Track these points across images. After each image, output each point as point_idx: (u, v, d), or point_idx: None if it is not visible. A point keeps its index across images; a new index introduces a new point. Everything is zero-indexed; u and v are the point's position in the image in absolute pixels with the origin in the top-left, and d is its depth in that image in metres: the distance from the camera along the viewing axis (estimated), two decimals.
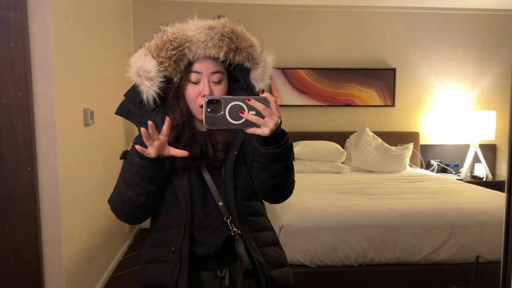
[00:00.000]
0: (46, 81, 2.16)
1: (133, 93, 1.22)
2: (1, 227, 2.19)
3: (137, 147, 1.11)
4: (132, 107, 1.24)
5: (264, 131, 1.04)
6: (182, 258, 1.19)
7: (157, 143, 1.10)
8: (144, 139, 1.10)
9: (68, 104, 2.39)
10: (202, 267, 1.23)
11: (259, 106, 1.04)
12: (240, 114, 1.05)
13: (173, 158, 1.18)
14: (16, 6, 2.07)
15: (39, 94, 2.16)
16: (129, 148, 1.23)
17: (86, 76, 2.75)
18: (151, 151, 1.11)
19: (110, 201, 1.25)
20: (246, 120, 1.05)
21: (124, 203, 1.20)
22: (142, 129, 1.10)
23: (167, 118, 1.12)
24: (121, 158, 1.23)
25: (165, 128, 1.10)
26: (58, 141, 2.22)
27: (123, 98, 1.27)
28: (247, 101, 1.04)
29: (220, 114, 1.05)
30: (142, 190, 1.16)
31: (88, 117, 2.68)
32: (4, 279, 2.22)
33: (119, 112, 1.27)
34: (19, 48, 2.09)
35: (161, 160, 1.14)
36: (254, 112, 1.04)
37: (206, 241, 1.22)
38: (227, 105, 1.05)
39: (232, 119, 1.05)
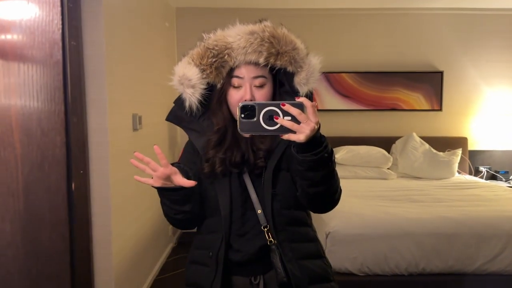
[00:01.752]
0: (99, 87, 2.22)
1: (182, 100, 1.23)
2: (55, 229, 2.24)
3: (136, 177, 1.11)
4: (181, 113, 1.26)
5: (300, 137, 0.99)
6: (218, 264, 1.20)
7: (159, 174, 1.09)
8: (141, 169, 1.10)
9: (118, 110, 2.45)
10: (238, 272, 1.23)
11: (294, 111, 0.98)
12: (275, 120, 1.00)
13: (213, 162, 1.19)
14: (71, 13, 2.14)
15: (92, 99, 2.22)
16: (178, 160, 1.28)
17: (134, 82, 2.82)
18: (154, 182, 1.11)
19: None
20: (281, 126, 1.00)
21: (168, 216, 1.24)
22: (133, 161, 1.09)
23: (156, 147, 1.10)
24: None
25: (160, 160, 1.09)
26: (110, 146, 2.28)
27: (173, 105, 1.28)
28: (281, 106, 1.00)
29: (254, 119, 1.02)
30: (175, 211, 1.19)
31: (137, 122, 2.74)
32: (57, 280, 2.27)
33: (169, 118, 1.29)
34: (73, 56, 2.15)
35: (178, 188, 1.12)
36: (289, 118, 1.00)
37: (241, 248, 1.21)
38: (261, 111, 1.01)
39: (266, 125, 1.01)
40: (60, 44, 1.39)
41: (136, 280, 2.81)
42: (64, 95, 1.42)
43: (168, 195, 1.14)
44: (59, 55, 1.40)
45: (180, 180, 1.10)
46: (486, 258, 2.49)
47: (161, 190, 1.14)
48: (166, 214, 1.24)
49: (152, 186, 1.12)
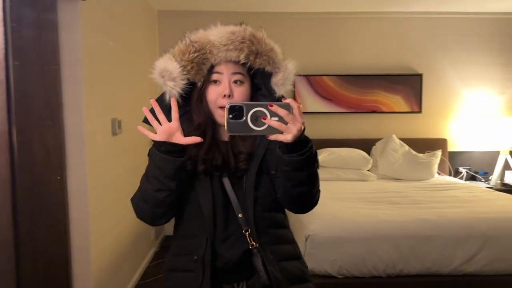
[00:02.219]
0: (75, 93, 2.20)
1: (161, 100, 1.23)
2: (32, 235, 2.22)
3: (139, 127, 1.12)
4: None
5: (287, 137, 1.01)
6: (205, 268, 1.18)
7: (165, 127, 1.11)
8: (150, 120, 1.12)
9: (96, 114, 2.43)
10: (221, 280, 1.22)
11: (282, 112, 1.01)
12: (263, 120, 1.02)
13: (195, 161, 1.19)
14: (48, 23, 2.12)
15: (68, 105, 2.20)
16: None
17: (114, 87, 2.80)
18: (157, 136, 1.11)
19: (132, 198, 1.24)
20: (269, 127, 1.02)
21: (145, 200, 1.18)
22: (144, 109, 1.12)
23: (173, 99, 1.14)
24: (148, 155, 1.21)
25: (173, 112, 1.12)
26: (87, 151, 2.26)
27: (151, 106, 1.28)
28: (269, 107, 1.02)
29: (242, 120, 1.03)
30: (161, 186, 1.14)
31: (116, 126, 2.72)
32: (34, 286, 2.25)
33: (146, 120, 1.29)
34: (52, 64, 2.13)
35: (177, 152, 1.12)
36: (276, 118, 1.02)
37: (224, 254, 1.21)
38: (249, 111, 1.03)
39: (254, 126, 1.03)
40: (4, 64, 1.39)
41: (116, 285, 2.79)
42: (8, 115, 1.41)
43: (169, 160, 1.11)
44: (2, 75, 1.39)
45: (183, 139, 1.12)
46: (463, 259, 2.53)
47: (161, 145, 1.12)
48: (144, 197, 1.18)
49: (153, 142, 1.14)
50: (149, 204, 1.18)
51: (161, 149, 1.12)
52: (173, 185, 1.14)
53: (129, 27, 3.27)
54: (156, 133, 1.12)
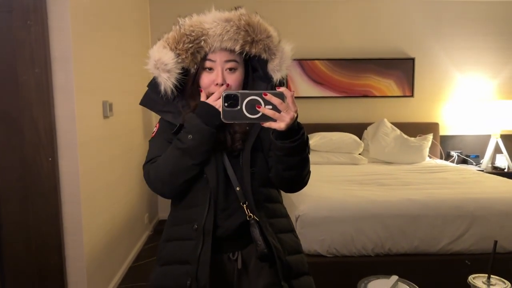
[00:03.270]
0: (65, 74, 2.20)
1: (155, 84, 1.25)
2: (24, 217, 2.24)
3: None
4: (155, 97, 1.28)
5: (280, 125, 1.06)
6: (206, 235, 1.21)
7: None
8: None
9: (87, 97, 2.43)
10: (216, 249, 1.25)
11: (276, 100, 1.05)
12: (257, 109, 1.07)
13: None
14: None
15: (59, 86, 2.20)
16: (154, 131, 1.32)
17: (105, 69, 2.80)
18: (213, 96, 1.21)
19: (150, 175, 1.25)
20: (263, 114, 1.07)
21: (176, 174, 1.22)
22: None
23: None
24: (175, 133, 1.24)
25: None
26: (78, 133, 2.27)
27: (146, 89, 1.30)
28: (263, 95, 1.06)
29: (237, 108, 1.08)
30: (203, 158, 1.21)
31: (107, 109, 2.72)
32: (28, 268, 2.28)
33: (143, 102, 1.31)
34: (39, 41, 2.13)
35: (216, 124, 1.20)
36: (270, 107, 1.06)
37: (222, 224, 1.24)
38: (244, 100, 1.07)
39: (249, 113, 1.07)
40: None
41: (109, 267, 2.82)
42: None
43: (209, 130, 1.19)
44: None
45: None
46: (451, 239, 2.56)
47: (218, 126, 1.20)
48: (177, 171, 1.22)
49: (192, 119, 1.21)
50: (181, 178, 1.22)
51: (214, 124, 1.19)
52: (206, 154, 1.22)
53: (120, 8, 3.26)
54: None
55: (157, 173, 1.24)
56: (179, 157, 1.21)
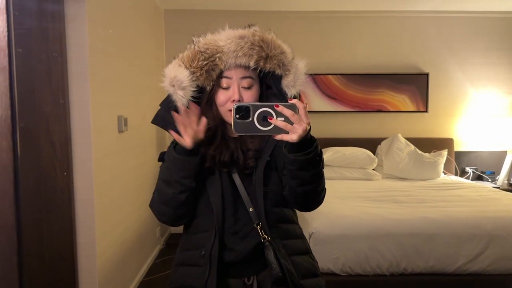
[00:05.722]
0: (82, 89, 2.23)
1: (168, 102, 1.24)
2: (39, 230, 2.26)
3: (173, 134, 1.15)
4: (167, 115, 1.26)
5: (293, 137, 1.04)
6: (212, 262, 1.20)
7: (190, 131, 1.14)
8: (179, 125, 1.15)
9: (103, 111, 2.45)
10: (230, 274, 1.24)
11: (288, 112, 1.03)
12: (269, 120, 1.05)
13: (203, 158, 1.21)
14: (55, 17, 2.15)
15: (75, 101, 2.23)
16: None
17: (120, 84, 2.82)
18: (186, 140, 1.14)
19: (151, 204, 1.27)
20: (275, 127, 1.04)
21: (166, 203, 1.22)
22: (174, 114, 1.15)
23: (203, 118, 1.17)
24: (159, 160, 1.25)
25: (202, 121, 1.16)
26: (93, 147, 2.28)
27: (159, 107, 1.30)
28: (275, 107, 1.04)
29: (249, 120, 1.05)
30: (182, 188, 1.18)
31: (122, 123, 2.74)
32: (40, 280, 2.28)
33: (155, 121, 1.30)
34: (58, 57, 2.16)
35: (198, 153, 1.18)
36: (282, 119, 1.04)
37: (234, 247, 1.22)
38: (256, 111, 1.05)
39: (260, 126, 1.05)
40: (6, 51, 1.43)
41: (121, 281, 2.81)
42: (10, 100, 1.45)
43: (190, 161, 1.17)
44: (5, 62, 1.44)
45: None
46: (467, 258, 2.52)
47: (187, 153, 1.17)
48: (166, 201, 1.21)
49: (172, 147, 1.19)
50: (172, 207, 1.22)
51: (182, 151, 1.16)
52: (194, 184, 1.19)
53: (135, 25, 3.30)
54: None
55: (153, 203, 1.26)
56: (163, 187, 1.21)
